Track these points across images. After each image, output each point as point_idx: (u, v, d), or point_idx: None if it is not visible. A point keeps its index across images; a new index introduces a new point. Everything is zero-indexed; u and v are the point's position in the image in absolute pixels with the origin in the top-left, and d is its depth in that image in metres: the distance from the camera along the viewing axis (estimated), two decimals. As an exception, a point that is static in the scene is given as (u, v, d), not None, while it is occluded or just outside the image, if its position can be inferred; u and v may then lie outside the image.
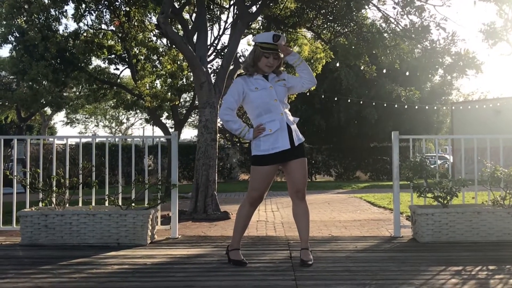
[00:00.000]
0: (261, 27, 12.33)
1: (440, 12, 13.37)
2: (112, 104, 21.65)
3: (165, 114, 21.05)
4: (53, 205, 5.52)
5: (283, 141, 4.11)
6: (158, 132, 42.08)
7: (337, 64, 12.29)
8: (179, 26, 12.21)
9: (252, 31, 12.51)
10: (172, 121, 18.96)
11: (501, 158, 5.82)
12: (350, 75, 23.91)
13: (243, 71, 4.35)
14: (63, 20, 43.01)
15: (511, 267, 4.09)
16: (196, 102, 13.04)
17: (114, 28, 13.41)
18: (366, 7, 9.38)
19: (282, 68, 4.35)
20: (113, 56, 14.26)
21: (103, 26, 13.76)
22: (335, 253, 4.78)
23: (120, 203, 5.52)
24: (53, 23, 12.71)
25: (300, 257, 4.23)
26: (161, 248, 5.14)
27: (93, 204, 5.85)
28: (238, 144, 28.94)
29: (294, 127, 4.22)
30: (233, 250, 4.32)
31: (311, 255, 4.26)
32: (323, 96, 24.10)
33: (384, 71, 12.15)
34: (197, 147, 8.70)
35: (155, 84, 14.63)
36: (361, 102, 24.37)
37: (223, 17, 13.63)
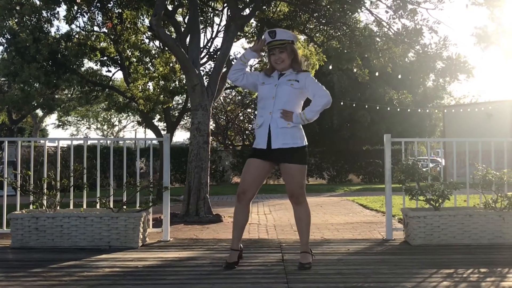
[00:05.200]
0: (254, 29, 12.33)
1: (432, 15, 13.49)
2: (104, 107, 21.58)
3: (157, 117, 21.00)
4: (44, 208, 5.48)
5: (262, 140, 4.15)
6: (150, 134, 42.03)
7: (330, 67, 12.31)
8: (172, 29, 12.19)
9: (245, 34, 12.51)
10: (165, 124, 18.89)
11: (492, 161, 5.85)
12: (343, 78, 23.98)
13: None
14: (55, 22, 42.92)
15: (503, 269, 4.10)
16: (189, 104, 13.00)
17: (106, 30, 13.36)
18: (359, 10, 9.41)
19: (304, 64, 4.31)
20: (105, 58, 14.20)
21: (96, 28, 13.72)
22: (327, 256, 4.78)
23: (112, 206, 5.50)
24: (45, 25, 12.64)
25: (299, 260, 4.23)
26: (153, 251, 5.12)
27: (84, 206, 5.82)
28: (231, 147, 28.91)
29: (279, 130, 4.10)
30: (231, 250, 4.31)
31: (311, 258, 4.24)
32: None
33: (377, 74, 12.19)
34: (189, 149, 8.68)
35: (148, 87, 14.60)
36: (354, 105, 24.42)
37: (216, 19, 13.64)
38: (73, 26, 13.10)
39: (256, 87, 4.35)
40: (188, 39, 9.55)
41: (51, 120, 50.99)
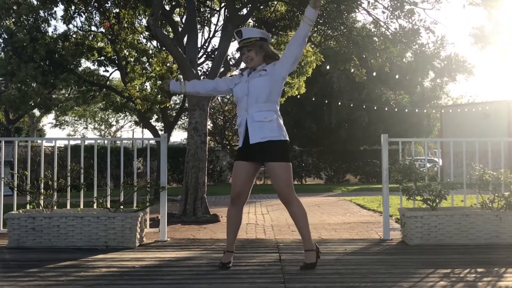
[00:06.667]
0: (252, 29, 12.30)
1: (429, 15, 13.52)
2: (102, 106, 21.56)
3: (155, 117, 21.01)
4: (40, 208, 5.47)
5: (241, 137, 4.17)
6: (147, 134, 41.98)
7: (327, 67, 12.31)
8: (169, 28, 12.17)
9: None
10: (162, 124, 18.90)
11: (489, 161, 5.85)
12: (341, 78, 23.98)
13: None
14: (52, 22, 42.83)
15: (499, 269, 4.10)
16: (186, 104, 12.99)
17: (104, 30, 13.35)
18: (356, 10, 9.41)
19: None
20: (102, 58, 14.20)
21: (93, 28, 13.72)
22: (324, 255, 4.76)
23: (109, 206, 5.49)
24: (42, 25, 12.65)
25: (303, 260, 4.22)
26: (150, 251, 5.11)
27: (81, 206, 5.81)
28: (228, 147, 28.90)
29: (256, 124, 4.06)
30: (225, 252, 4.30)
31: (315, 257, 4.19)
32: (314, 99, 24.13)
33: (374, 74, 12.19)
34: (187, 149, 8.67)
35: (145, 87, 14.59)
36: (352, 105, 24.43)
37: (214, 19, 13.65)
38: (71, 25, 13.08)
39: (230, 91, 4.38)
40: (185, 39, 9.54)
41: (48, 120, 50.91)
